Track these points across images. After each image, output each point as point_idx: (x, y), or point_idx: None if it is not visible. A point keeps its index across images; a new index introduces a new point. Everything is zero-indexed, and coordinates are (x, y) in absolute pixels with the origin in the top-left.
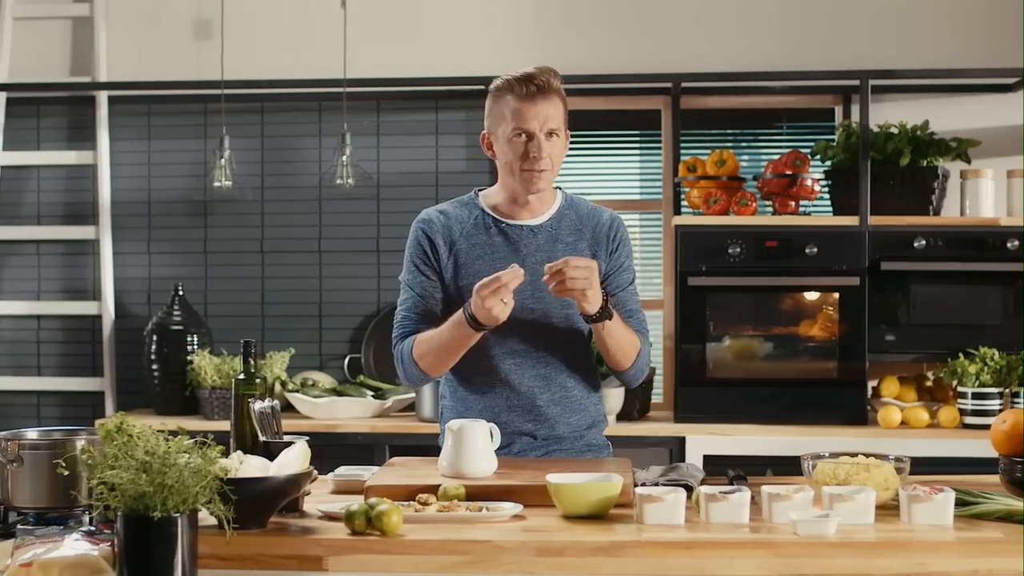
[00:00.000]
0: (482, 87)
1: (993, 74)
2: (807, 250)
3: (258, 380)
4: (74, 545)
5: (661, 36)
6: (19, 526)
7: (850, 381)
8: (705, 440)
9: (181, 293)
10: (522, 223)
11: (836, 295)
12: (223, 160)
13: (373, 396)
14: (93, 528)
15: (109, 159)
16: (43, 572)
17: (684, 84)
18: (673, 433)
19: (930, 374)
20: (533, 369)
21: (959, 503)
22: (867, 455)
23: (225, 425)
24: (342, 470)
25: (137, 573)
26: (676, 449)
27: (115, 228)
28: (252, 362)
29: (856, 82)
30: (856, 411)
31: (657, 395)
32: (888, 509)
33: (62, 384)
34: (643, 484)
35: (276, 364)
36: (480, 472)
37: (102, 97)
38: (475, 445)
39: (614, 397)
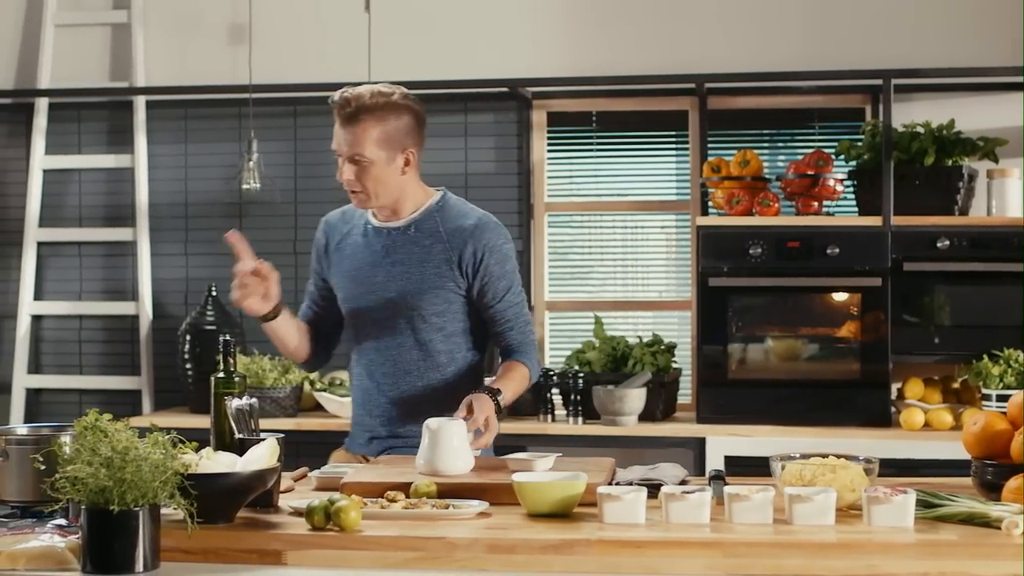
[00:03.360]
0: (507, 89)
1: (1020, 72)
2: (828, 251)
3: (237, 379)
4: (42, 537)
5: (685, 37)
6: None
7: (873, 382)
8: (726, 441)
9: (215, 294)
10: (385, 225)
11: (858, 296)
12: (251, 163)
13: None
14: (65, 522)
15: (147, 162)
16: (10, 562)
17: (711, 84)
18: (694, 434)
19: (958, 376)
20: (387, 364)
21: (924, 505)
22: (838, 456)
23: None
24: (328, 467)
25: (99, 565)
26: (697, 450)
27: (152, 230)
28: (231, 361)
29: (881, 81)
30: (879, 413)
31: (685, 396)
32: (856, 511)
33: (103, 383)
34: (617, 483)
35: None
36: (456, 470)
37: (140, 102)
38: (451, 443)
39: (636, 397)
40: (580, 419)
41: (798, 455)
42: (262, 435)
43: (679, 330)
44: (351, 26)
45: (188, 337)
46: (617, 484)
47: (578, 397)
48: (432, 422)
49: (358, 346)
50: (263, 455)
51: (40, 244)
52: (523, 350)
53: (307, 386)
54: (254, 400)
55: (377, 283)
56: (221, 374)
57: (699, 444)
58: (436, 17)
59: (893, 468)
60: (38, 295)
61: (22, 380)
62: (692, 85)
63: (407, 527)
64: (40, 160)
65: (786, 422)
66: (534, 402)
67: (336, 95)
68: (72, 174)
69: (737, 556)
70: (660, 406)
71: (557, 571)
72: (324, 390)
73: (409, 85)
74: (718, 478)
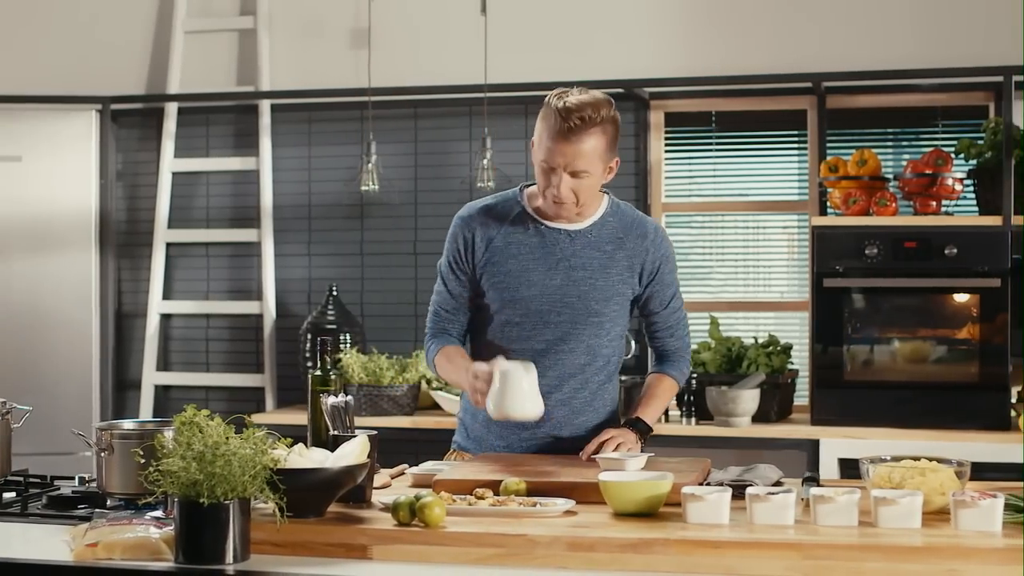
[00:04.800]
0: (624, 90)
1: None
2: (946, 251)
3: (333, 376)
4: (139, 528)
5: (803, 35)
6: (96, 510)
7: (992, 385)
8: (840, 443)
9: (336, 293)
10: (562, 227)
11: (977, 297)
12: (370, 165)
13: None
14: (162, 514)
15: (271, 164)
16: (107, 552)
17: (830, 83)
18: (808, 436)
19: None
20: (553, 369)
21: (1015, 510)
22: (930, 459)
23: (369, 420)
24: (427, 465)
25: (191, 555)
26: (810, 452)
27: (276, 231)
28: (327, 359)
29: (1002, 78)
30: (998, 416)
31: (801, 397)
32: (946, 514)
33: (228, 380)
34: (708, 483)
35: (421, 363)
36: (526, 413)
37: (265, 105)
38: (520, 386)
39: (749, 398)
40: (693, 420)
41: (888, 457)
42: (356, 432)
43: (799, 331)
44: (468, 29)
45: (310, 336)
46: (707, 484)
47: (691, 398)
48: (503, 364)
49: (509, 348)
50: (353, 451)
51: (169, 245)
52: (677, 357)
53: (424, 385)
54: (350, 398)
55: (553, 286)
56: (318, 372)
57: (813, 446)
58: (552, 19)
59: (1013, 473)
60: (167, 295)
61: (151, 377)
62: (810, 84)
63: (491, 524)
64: (169, 163)
65: (902, 425)
66: None
67: (558, 101)
68: (200, 176)
69: (816, 558)
70: (775, 407)
71: (636, 570)
72: (440, 389)
73: (525, 87)
74: (810, 480)
